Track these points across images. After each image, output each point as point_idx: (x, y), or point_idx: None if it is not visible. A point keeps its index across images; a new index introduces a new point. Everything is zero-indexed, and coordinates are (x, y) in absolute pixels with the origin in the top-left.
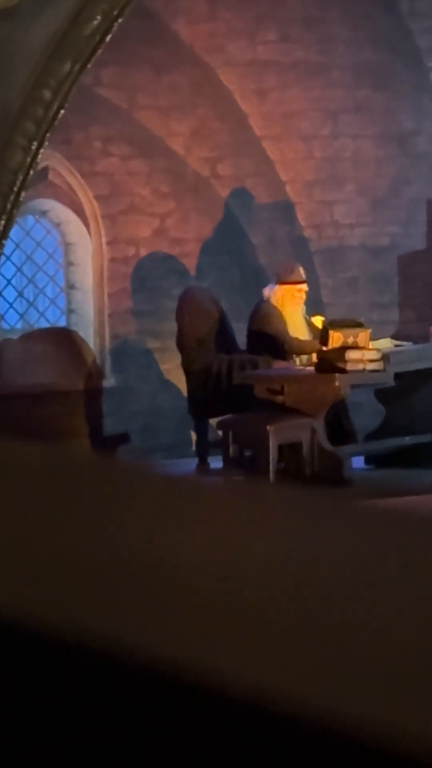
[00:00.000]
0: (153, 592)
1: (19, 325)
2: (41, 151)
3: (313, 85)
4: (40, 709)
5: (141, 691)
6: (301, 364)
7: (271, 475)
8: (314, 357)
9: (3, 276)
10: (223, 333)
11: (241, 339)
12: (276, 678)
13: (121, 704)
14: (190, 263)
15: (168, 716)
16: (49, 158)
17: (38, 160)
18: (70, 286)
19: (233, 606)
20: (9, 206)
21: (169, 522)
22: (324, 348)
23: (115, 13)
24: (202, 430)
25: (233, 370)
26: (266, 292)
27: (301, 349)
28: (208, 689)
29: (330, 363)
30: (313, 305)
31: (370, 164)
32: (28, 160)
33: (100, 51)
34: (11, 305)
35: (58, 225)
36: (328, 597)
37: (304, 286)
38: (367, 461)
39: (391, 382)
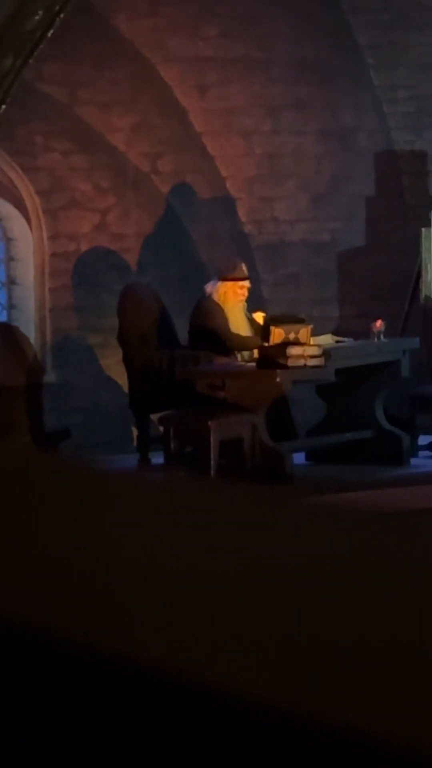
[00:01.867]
0: (92, 585)
1: None
2: None
3: (254, 81)
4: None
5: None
6: (243, 360)
7: (213, 470)
8: (255, 353)
9: None
10: (165, 328)
11: (183, 335)
12: (226, 671)
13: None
14: (131, 258)
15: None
16: None
17: None
18: (11, 282)
19: (174, 601)
20: None
21: (110, 518)
22: (265, 344)
23: (57, 8)
24: (143, 425)
25: (175, 366)
26: (208, 288)
27: (242, 344)
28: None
29: (271, 359)
30: (253, 301)
31: (311, 160)
32: None
33: (41, 46)
34: None
35: None
36: (271, 591)
37: (247, 283)
38: (308, 457)
39: (332, 378)
